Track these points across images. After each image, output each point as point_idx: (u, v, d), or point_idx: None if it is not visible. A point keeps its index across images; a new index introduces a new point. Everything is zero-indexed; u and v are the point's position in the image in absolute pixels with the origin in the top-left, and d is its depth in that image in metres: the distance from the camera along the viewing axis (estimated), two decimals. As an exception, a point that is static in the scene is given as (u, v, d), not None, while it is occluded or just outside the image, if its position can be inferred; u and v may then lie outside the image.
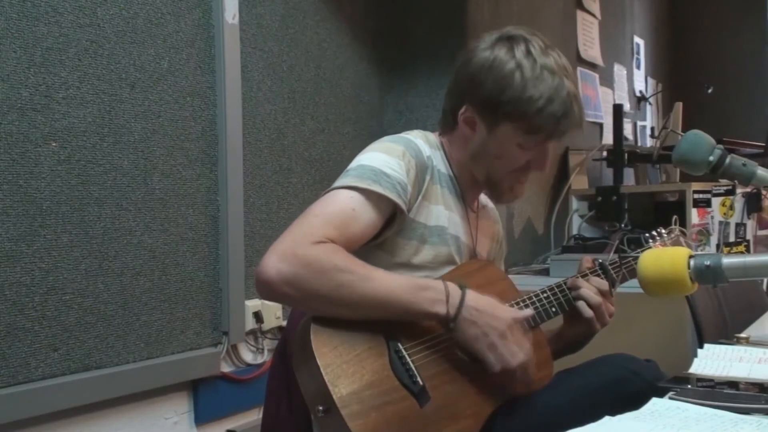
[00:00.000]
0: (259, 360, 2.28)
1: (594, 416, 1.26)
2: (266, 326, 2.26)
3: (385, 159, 1.38)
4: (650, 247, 1.62)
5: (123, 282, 1.85)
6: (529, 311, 1.40)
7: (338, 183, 1.36)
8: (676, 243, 1.67)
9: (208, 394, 2.10)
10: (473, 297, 1.30)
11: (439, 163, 1.50)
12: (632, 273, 1.51)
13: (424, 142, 1.47)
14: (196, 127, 2.06)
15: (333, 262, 1.25)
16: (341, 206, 1.33)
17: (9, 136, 1.62)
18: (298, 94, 2.42)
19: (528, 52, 1.41)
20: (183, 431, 2.04)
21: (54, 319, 1.70)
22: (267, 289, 1.26)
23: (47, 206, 1.69)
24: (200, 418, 2.08)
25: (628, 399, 1.26)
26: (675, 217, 1.79)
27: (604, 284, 1.48)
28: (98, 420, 1.82)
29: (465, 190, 1.54)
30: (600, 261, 1.53)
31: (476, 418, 1.32)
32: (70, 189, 1.74)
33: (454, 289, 1.30)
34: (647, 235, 1.66)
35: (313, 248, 1.25)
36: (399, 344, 1.29)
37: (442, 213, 1.46)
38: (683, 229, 1.71)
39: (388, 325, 1.29)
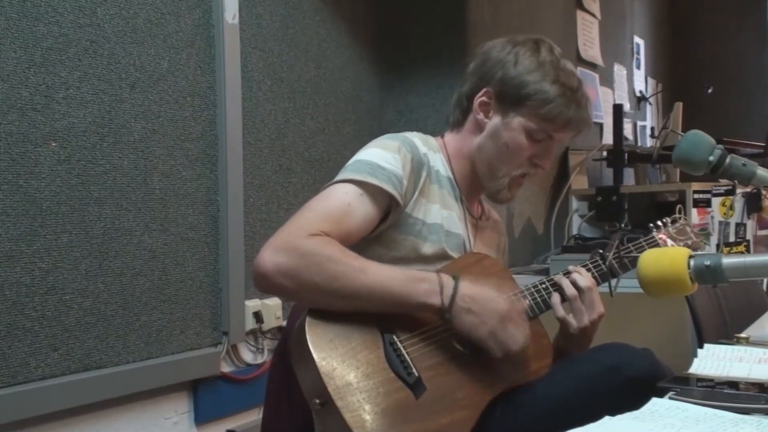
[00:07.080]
0: (259, 360, 2.28)
1: (591, 403, 1.28)
2: (266, 326, 2.26)
3: (381, 153, 1.40)
4: (654, 237, 1.62)
5: (123, 282, 1.85)
6: (525, 302, 1.41)
7: (335, 178, 1.39)
8: (681, 232, 1.66)
9: (208, 394, 2.10)
10: (467, 286, 1.31)
11: (438, 164, 1.51)
12: (633, 263, 1.51)
13: (421, 141, 1.49)
14: (196, 127, 2.06)
15: (327, 254, 1.26)
16: (337, 201, 1.35)
17: (9, 136, 1.62)
18: (298, 94, 2.42)
19: (551, 50, 1.51)
20: (183, 431, 2.04)
21: (54, 319, 1.70)
22: (263, 281, 1.27)
23: (47, 206, 1.69)
24: (200, 418, 2.08)
25: (625, 385, 1.28)
26: (679, 206, 1.79)
27: (585, 279, 1.45)
28: (98, 420, 1.82)
29: (465, 192, 1.55)
30: (600, 251, 1.52)
31: (473, 408, 1.32)
32: (70, 189, 1.74)
33: (447, 279, 1.31)
34: (651, 225, 1.65)
35: (307, 240, 1.27)
36: (394, 336, 1.30)
37: (439, 211, 1.47)
38: (686, 218, 1.71)
39: (384, 318, 1.30)
